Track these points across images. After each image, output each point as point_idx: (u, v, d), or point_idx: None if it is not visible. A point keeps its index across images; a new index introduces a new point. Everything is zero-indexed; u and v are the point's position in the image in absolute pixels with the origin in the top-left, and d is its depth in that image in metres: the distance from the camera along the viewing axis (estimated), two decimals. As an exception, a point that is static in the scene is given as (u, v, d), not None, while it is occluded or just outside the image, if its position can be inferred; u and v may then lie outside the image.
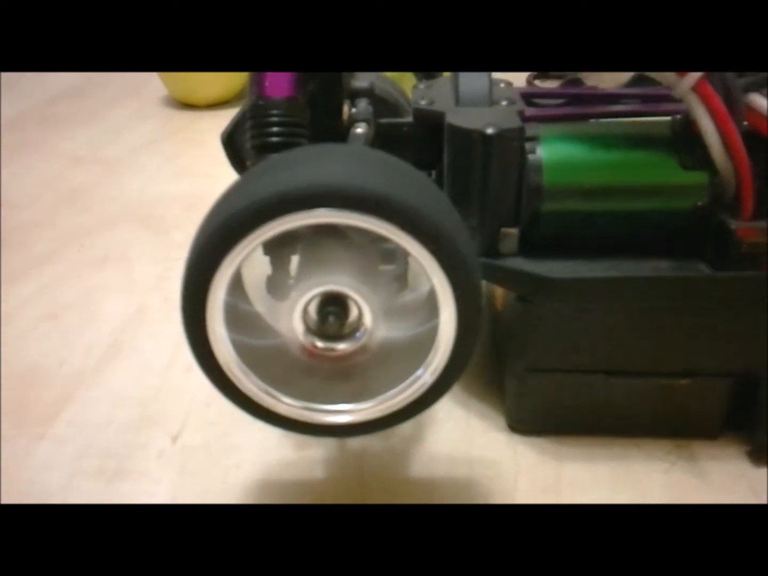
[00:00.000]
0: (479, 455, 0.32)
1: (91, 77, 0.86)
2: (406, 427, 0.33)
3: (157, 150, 0.67)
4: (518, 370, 0.31)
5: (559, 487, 0.30)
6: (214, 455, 0.32)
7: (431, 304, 0.23)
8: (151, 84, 0.80)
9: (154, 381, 0.37)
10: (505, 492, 0.30)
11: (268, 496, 0.30)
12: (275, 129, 0.26)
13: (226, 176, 0.23)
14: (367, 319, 0.24)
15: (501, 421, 0.34)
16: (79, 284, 0.45)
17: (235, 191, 0.22)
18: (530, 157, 0.28)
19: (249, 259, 0.22)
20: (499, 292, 0.36)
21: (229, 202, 0.21)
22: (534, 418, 0.32)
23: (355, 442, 0.33)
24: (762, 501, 0.29)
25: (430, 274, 0.22)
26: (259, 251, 0.23)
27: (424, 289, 0.23)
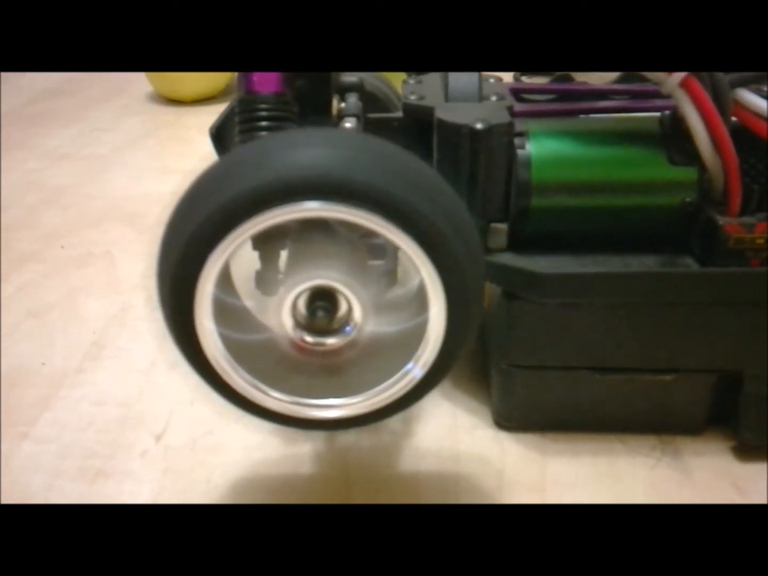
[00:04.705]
0: (466, 451, 0.32)
1: (74, 77, 0.85)
2: (393, 422, 0.33)
3: (142, 147, 0.66)
4: (503, 366, 0.31)
5: (544, 483, 0.30)
6: (198, 454, 0.32)
7: (421, 298, 0.22)
8: (137, 82, 0.79)
9: (138, 380, 0.37)
10: (491, 488, 0.30)
11: (252, 494, 0.30)
12: (263, 124, 0.26)
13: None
14: (357, 314, 0.23)
15: (488, 416, 0.34)
16: (61, 283, 0.45)
17: (216, 182, 0.21)
18: (519, 152, 0.28)
19: (237, 253, 0.22)
20: (485, 288, 0.36)
21: (211, 194, 0.21)
22: (520, 415, 0.32)
23: (342, 438, 0.33)
24: (744, 498, 0.29)
25: (419, 268, 0.22)
26: (248, 246, 0.23)
27: (414, 283, 0.23)
